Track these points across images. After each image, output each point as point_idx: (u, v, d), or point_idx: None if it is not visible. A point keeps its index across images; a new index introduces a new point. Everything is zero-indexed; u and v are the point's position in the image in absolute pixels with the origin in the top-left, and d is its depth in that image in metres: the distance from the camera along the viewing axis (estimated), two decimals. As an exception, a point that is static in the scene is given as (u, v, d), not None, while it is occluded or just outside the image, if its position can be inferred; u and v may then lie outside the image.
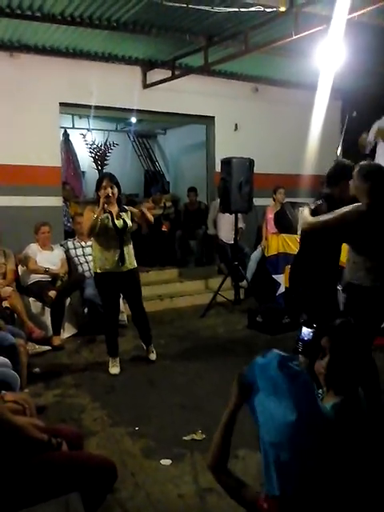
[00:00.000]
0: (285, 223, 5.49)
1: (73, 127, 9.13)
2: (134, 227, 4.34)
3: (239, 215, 6.32)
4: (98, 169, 8.85)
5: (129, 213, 4.23)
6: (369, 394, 1.81)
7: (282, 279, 6.10)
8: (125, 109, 6.81)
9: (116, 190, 4.13)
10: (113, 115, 8.00)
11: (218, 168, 6.59)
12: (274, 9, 4.58)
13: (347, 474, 1.56)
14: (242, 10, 4.66)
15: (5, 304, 4.65)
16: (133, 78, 6.68)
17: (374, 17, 4.66)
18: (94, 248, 4.29)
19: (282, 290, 6.07)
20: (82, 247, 5.61)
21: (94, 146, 8.97)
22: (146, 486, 2.61)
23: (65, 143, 8.30)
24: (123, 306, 4.98)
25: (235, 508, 1.72)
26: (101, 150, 8.99)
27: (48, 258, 5.38)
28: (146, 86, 6.73)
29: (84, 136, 9.14)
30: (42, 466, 1.87)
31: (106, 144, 9.07)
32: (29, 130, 6.01)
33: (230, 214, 6.26)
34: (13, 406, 2.23)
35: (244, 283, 6.59)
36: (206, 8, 4.68)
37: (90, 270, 5.32)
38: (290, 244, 6.00)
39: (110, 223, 4.11)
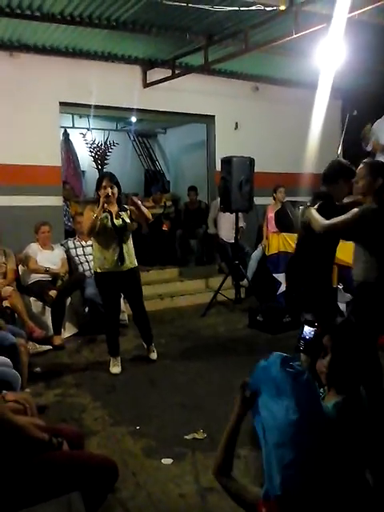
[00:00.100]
0: (285, 222, 5.50)
1: (73, 127, 9.12)
2: (134, 226, 4.34)
3: (240, 214, 6.32)
4: (98, 168, 8.84)
5: (128, 212, 4.22)
6: (372, 393, 1.81)
7: (282, 278, 6.09)
8: (125, 108, 6.81)
9: (116, 189, 4.13)
10: (113, 114, 8.01)
11: (219, 167, 6.59)
12: (274, 7, 4.58)
13: (349, 473, 1.56)
14: (241, 8, 4.66)
15: (5, 303, 4.65)
16: (133, 78, 6.68)
17: (374, 15, 4.66)
18: (94, 247, 4.29)
19: (282, 289, 6.06)
20: (83, 247, 5.61)
21: (94, 145, 8.96)
22: (147, 486, 2.61)
23: (65, 143, 8.29)
24: (124, 305, 4.97)
25: (236, 508, 1.72)
26: (101, 149, 8.99)
27: (48, 258, 5.38)
28: (146, 85, 6.73)
29: (84, 135, 9.13)
30: (43, 465, 1.87)
31: (106, 143, 9.07)
32: (29, 130, 6.01)
33: (231, 213, 6.25)
34: (14, 406, 2.23)
35: (245, 282, 6.59)
36: (206, 7, 4.68)
37: (90, 269, 5.32)
38: (291, 243, 5.99)
39: (110, 223, 4.11)
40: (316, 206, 3.17)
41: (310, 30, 4.62)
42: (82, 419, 3.39)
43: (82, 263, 5.55)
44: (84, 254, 5.57)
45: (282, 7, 4.55)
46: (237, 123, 7.47)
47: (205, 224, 7.40)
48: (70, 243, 5.71)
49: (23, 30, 5.42)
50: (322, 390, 1.76)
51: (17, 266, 5.27)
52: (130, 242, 4.28)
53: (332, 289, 3.58)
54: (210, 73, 6.92)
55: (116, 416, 3.43)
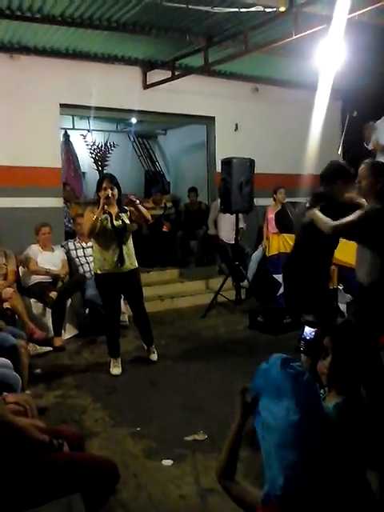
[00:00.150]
0: (286, 223, 5.50)
1: (73, 128, 9.13)
2: (134, 227, 4.34)
3: (240, 215, 6.32)
4: (98, 170, 8.84)
5: (128, 213, 4.22)
6: (372, 394, 1.81)
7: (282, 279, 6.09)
8: (125, 109, 6.82)
9: (116, 191, 4.14)
10: (113, 116, 8.01)
11: (219, 168, 6.59)
12: (274, 9, 4.58)
13: (349, 474, 1.56)
14: (241, 10, 4.66)
15: (6, 305, 4.66)
16: (133, 79, 6.69)
17: (373, 16, 4.65)
18: (94, 249, 4.30)
19: (282, 290, 6.05)
20: (83, 248, 5.61)
21: (95, 146, 8.97)
22: (148, 487, 2.61)
23: (65, 144, 8.30)
24: (124, 306, 4.97)
25: (236, 509, 1.72)
26: (101, 150, 8.99)
27: (49, 259, 5.38)
28: (146, 86, 6.74)
29: (84, 137, 9.14)
30: (44, 467, 1.87)
31: (106, 145, 9.07)
32: (29, 131, 6.02)
33: (231, 214, 6.25)
34: (14, 408, 2.23)
35: (245, 283, 6.59)
36: (206, 8, 4.69)
37: (90, 270, 5.32)
38: (291, 244, 5.98)
39: (109, 224, 4.12)
40: (318, 208, 3.17)
41: (310, 31, 4.62)
42: (82, 420, 3.39)
43: (82, 265, 5.55)
44: (84, 256, 5.57)
45: (282, 8, 4.55)
46: (237, 124, 7.48)
47: (205, 225, 7.40)
48: (71, 244, 5.71)
49: (23, 32, 5.43)
50: (322, 390, 1.76)
51: (17, 268, 5.27)
52: (130, 243, 4.29)
53: (329, 290, 3.57)
54: (209, 74, 6.93)
55: (116, 417, 3.43)
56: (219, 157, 6.78)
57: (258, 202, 6.54)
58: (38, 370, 4.18)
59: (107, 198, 4.07)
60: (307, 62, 5.41)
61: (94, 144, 8.98)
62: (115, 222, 4.13)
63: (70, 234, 6.29)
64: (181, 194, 8.81)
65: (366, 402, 1.71)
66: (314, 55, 5.07)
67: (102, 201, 4.06)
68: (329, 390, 1.73)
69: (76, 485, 1.87)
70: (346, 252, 3.60)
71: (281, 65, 6.55)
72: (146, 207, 4.53)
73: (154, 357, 4.52)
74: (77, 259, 5.61)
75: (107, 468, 2.02)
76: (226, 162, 6.07)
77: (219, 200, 6.62)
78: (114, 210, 4.15)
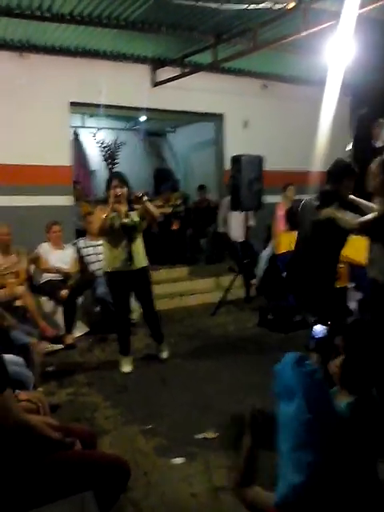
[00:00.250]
0: (297, 220, 5.47)
1: (83, 126, 9.16)
2: (144, 226, 4.35)
3: (249, 213, 6.30)
4: (108, 168, 8.87)
5: (138, 212, 4.23)
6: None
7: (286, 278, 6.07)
8: (134, 107, 6.83)
9: (125, 189, 4.16)
10: (122, 114, 8.02)
11: (228, 166, 6.58)
12: (283, 5, 4.56)
13: (361, 472, 1.55)
14: (250, 7, 4.65)
15: (17, 303, 4.70)
16: (142, 77, 6.69)
17: (382, 12, 4.61)
18: (104, 247, 4.33)
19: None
20: (94, 246, 5.63)
21: (104, 144, 8.99)
22: (159, 485, 2.62)
23: (75, 142, 8.32)
24: (135, 304, 4.99)
25: (248, 507, 1.73)
26: (110, 148, 9.01)
27: (60, 257, 5.42)
28: (155, 84, 6.74)
29: (94, 135, 9.16)
30: (56, 465, 1.88)
31: (115, 143, 9.09)
32: (39, 130, 6.05)
33: (240, 211, 6.24)
34: (27, 405, 2.25)
35: (254, 281, 6.57)
36: (215, 5, 4.68)
37: (101, 268, 5.34)
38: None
39: (119, 222, 4.13)
40: (335, 207, 3.17)
41: (319, 28, 4.60)
42: (94, 418, 3.42)
43: (92, 263, 5.58)
44: (95, 254, 5.59)
45: (291, 5, 4.53)
46: (246, 121, 7.45)
47: (214, 223, 7.39)
48: (81, 243, 5.74)
49: (33, 31, 5.45)
50: (332, 389, 1.76)
51: (28, 266, 5.31)
52: (140, 241, 4.30)
53: (336, 289, 3.56)
54: (218, 71, 6.91)
55: (128, 415, 3.45)
56: (228, 154, 6.77)
57: (268, 199, 6.52)
58: (50, 368, 4.21)
59: (116, 196, 4.08)
60: (316, 58, 5.38)
61: (103, 142, 9.01)
62: (125, 221, 4.15)
63: (81, 232, 6.31)
64: (190, 192, 8.81)
65: (377, 402, 1.70)
66: (323, 51, 5.04)
67: (111, 199, 4.08)
68: (340, 389, 1.72)
69: (88, 483, 1.88)
70: (359, 250, 3.58)
71: (290, 61, 6.52)
72: (155, 205, 4.54)
73: (165, 355, 4.53)
74: (87, 257, 5.63)
75: (119, 466, 2.02)
76: (235, 160, 6.05)
77: (228, 197, 6.61)
78: (124, 208, 4.17)
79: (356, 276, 4.64)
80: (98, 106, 6.48)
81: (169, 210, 7.45)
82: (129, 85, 6.54)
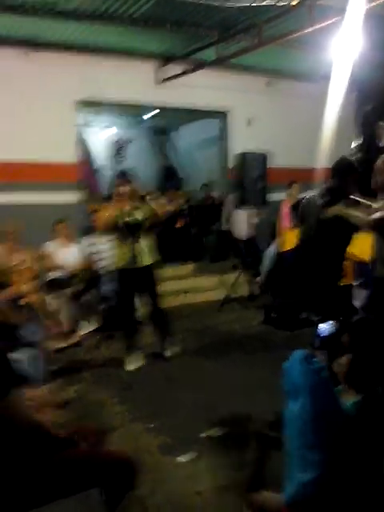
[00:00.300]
0: (301, 217, 5.46)
1: (88, 124, 9.14)
2: (148, 223, 4.35)
3: (254, 210, 6.29)
4: (113, 165, 8.87)
5: (142, 210, 4.24)
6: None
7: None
8: (139, 104, 6.82)
9: (130, 187, 4.16)
10: (128, 111, 8.01)
11: (232, 163, 6.56)
12: (288, 1, 4.54)
13: (368, 471, 1.55)
14: (254, 4, 4.63)
15: (24, 301, 4.70)
16: (147, 74, 6.69)
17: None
18: (115, 244, 4.33)
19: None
20: (100, 244, 5.64)
21: (110, 142, 8.98)
22: (164, 483, 2.62)
23: (80, 140, 8.31)
24: (140, 302, 4.99)
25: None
26: (116, 146, 9.01)
27: (66, 255, 5.43)
28: (160, 81, 6.73)
29: (99, 132, 9.15)
30: (64, 463, 1.89)
31: (121, 140, 9.08)
32: (45, 128, 6.06)
33: (245, 209, 6.23)
34: (33, 403, 2.26)
35: (259, 279, 6.56)
36: (219, 2, 4.66)
37: (107, 266, 5.35)
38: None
39: (124, 220, 4.14)
40: (344, 205, 3.16)
41: (325, 24, 4.57)
42: (100, 415, 3.43)
43: (98, 260, 5.58)
44: (101, 252, 5.60)
45: (296, 1, 4.51)
46: (250, 118, 7.43)
47: (218, 221, 7.38)
48: (87, 241, 5.74)
49: (39, 28, 5.46)
50: (338, 387, 1.76)
51: (35, 264, 5.31)
52: (148, 239, 4.30)
53: (341, 287, 3.56)
54: (223, 68, 6.89)
55: (134, 412, 3.46)
56: (232, 151, 6.76)
57: (272, 196, 6.50)
58: (57, 365, 4.22)
59: (121, 194, 4.09)
60: (322, 54, 5.36)
61: (109, 139, 9.00)
62: (129, 219, 4.15)
63: (88, 230, 6.31)
64: (194, 190, 8.80)
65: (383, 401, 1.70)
66: (329, 47, 5.02)
67: (116, 197, 4.09)
68: (346, 388, 1.72)
69: (95, 481, 1.90)
70: (363, 247, 3.57)
71: (295, 57, 6.50)
72: (160, 203, 4.54)
73: (170, 352, 4.54)
74: (93, 255, 5.64)
75: (126, 464, 2.04)
76: (240, 157, 6.04)
77: (233, 195, 6.60)
78: (128, 206, 4.17)
79: (362, 273, 4.62)
80: (103, 103, 6.48)
81: (173, 208, 7.42)
82: (134, 82, 6.54)
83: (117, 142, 9.07)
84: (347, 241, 3.36)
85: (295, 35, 4.95)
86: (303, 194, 6.32)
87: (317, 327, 2.93)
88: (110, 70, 6.32)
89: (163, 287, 5.80)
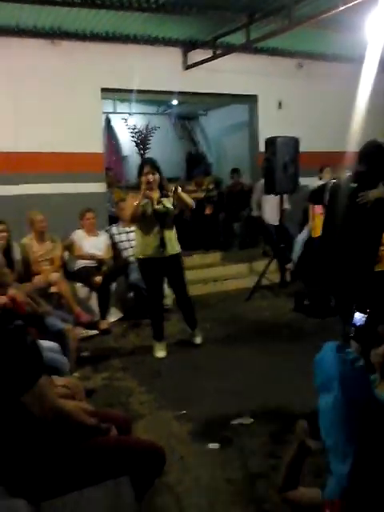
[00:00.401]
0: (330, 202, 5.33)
1: (114, 112, 9.15)
2: (176, 212, 4.31)
3: (284, 196, 6.18)
4: (140, 153, 8.85)
5: (170, 198, 4.19)
6: None
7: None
8: (166, 91, 6.76)
9: (157, 175, 4.12)
10: (154, 98, 7.97)
11: (262, 148, 6.44)
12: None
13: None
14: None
15: (53, 290, 4.76)
16: (174, 60, 6.62)
17: None
18: (136, 234, 4.32)
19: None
20: (127, 233, 5.64)
21: (136, 130, 8.96)
22: (194, 470, 2.61)
23: (107, 128, 8.33)
24: (167, 290, 4.99)
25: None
26: (142, 133, 8.98)
27: (93, 244, 5.46)
28: (187, 67, 6.65)
29: (125, 120, 9.14)
30: (92, 450, 1.90)
31: (147, 128, 9.05)
32: (71, 117, 6.07)
33: (275, 194, 6.13)
34: (62, 391, 2.27)
35: (290, 266, 6.46)
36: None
37: (134, 255, 5.36)
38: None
39: (151, 209, 4.11)
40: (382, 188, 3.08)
41: (358, 2, 4.40)
42: (128, 403, 3.44)
43: (125, 249, 5.59)
44: (128, 240, 5.60)
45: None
46: (280, 102, 7.28)
47: (248, 206, 7.29)
48: (114, 229, 5.76)
49: (64, 18, 5.44)
50: (372, 376, 1.70)
51: (63, 253, 5.37)
52: (173, 227, 4.27)
53: (376, 273, 3.45)
54: (251, 51, 6.75)
55: (162, 400, 3.45)
56: (262, 136, 6.63)
57: (304, 181, 6.36)
58: (85, 353, 4.26)
59: (148, 183, 4.06)
60: (354, 34, 5.18)
61: (135, 127, 8.98)
62: (157, 207, 4.12)
63: (114, 219, 6.34)
64: (223, 175, 8.71)
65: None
66: (362, 27, 4.83)
67: (143, 186, 4.05)
68: (382, 378, 1.66)
69: (123, 468, 1.89)
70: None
71: (326, 38, 6.30)
72: (188, 190, 4.49)
73: (198, 340, 4.52)
74: (120, 244, 5.65)
75: (154, 452, 2.03)
76: (270, 142, 5.92)
77: (262, 180, 6.49)
78: (156, 194, 4.13)
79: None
80: (129, 91, 6.45)
81: (201, 194, 7.38)
82: (160, 69, 6.47)
83: (144, 129, 9.03)
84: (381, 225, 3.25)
85: (327, 15, 4.78)
86: (323, 180, 6.19)
87: (351, 316, 2.85)
88: (136, 58, 6.26)
89: (192, 275, 5.80)
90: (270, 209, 6.75)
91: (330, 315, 4.99)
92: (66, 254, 5.49)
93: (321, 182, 5.44)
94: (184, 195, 4.22)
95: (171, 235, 4.24)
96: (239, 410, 3.21)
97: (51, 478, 1.80)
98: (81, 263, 5.37)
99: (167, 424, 3.14)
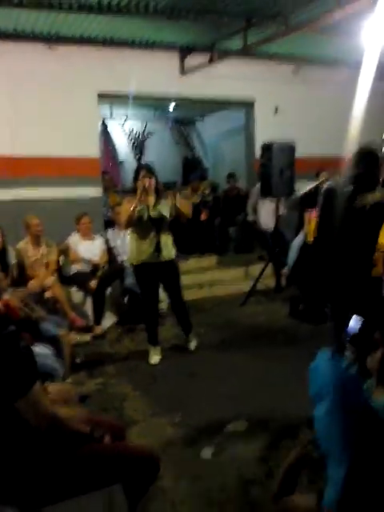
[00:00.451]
0: (326, 207, 5.33)
1: (111, 116, 9.16)
2: (171, 217, 4.30)
3: (280, 201, 6.19)
4: (136, 157, 8.85)
5: (166, 204, 4.18)
6: None
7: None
8: (163, 96, 6.77)
9: (153, 180, 4.11)
10: (151, 103, 7.98)
11: (258, 153, 6.45)
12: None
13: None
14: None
15: (47, 294, 4.74)
16: (171, 65, 6.63)
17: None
18: (131, 239, 4.30)
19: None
20: (122, 237, 5.63)
21: (132, 134, 8.97)
22: (188, 477, 2.60)
23: (103, 133, 8.33)
24: (162, 294, 4.97)
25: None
26: (139, 138, 8.99)
27: (89, 248, 5.44)
28: (184, 72, 6.65)
29: (122, 125, 9.15)
30: (86, 458, 1.88)
31: (143, 132, 9.06)
32: (68, 122, 6.07)
33: (271, 199, 6.13)
34: (56, 398, 2.25)
35: (285, 270, 6.46)
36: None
37: (130, 259, 5.34)
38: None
39: (146, 214, 4.10)
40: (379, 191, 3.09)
41: (354, 8, 4.41)
42: (122, 408, 3.42)
43: (121, 253, 5.58)
44: (123, 245, 5.59)
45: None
46: (276, 107, 7.30)
47: (244, 211, 7.29)
48: (110, 234, 5.75)
49: (61, 22, 5.44)
50: (368, 381, 1.69)
51: (58, 257, 5.36)
52: (168, 233, 4.26)
53: (370, 278, 3.44)
54: (248, 57, 6.76)
55: (156, 405, 3.44)
56: (259, 141, 6.64)
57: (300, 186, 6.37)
58: (79, 359, 4.23)
59: (144, 187, 4.05)
60: (351, 40, 5.21)
61: (131, 132, 8.99)
62: (152, 213, 4.11)
63: (110, 223, 6.33)
64: (219, 180, 8.72)
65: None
66: (359, 33, 4.86)
67: (138, 191, 4.05)
68: (378, 385, 1.65)
69: (117, 476, 1.88)
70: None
71: (323, 44, 6.32)
72: (184, 195, 4.49)
73: (193, 345, 4.51)
74: (116, 248, 5.64)
75: (149, 458, 2.01)
76: (266, 147, 5.92)
77: (258, 185, 6.50)
78: (152, 200, 4.13)
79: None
80: (126, 96, 6.45)
81: (197, 199, 7.38)
82: (157, 73, 6.47)
83: (140, 133, 9.04)
84: (380, 229, 3.25)
85: (324, 21, 4.80)
86: (312, 184, 6.19)
87: (346, 321, 2.84)
88: (133, 62, 6.27)
89: (187, 280, 5.78)
90: (266, 214, 6.76)
91: (324, 321, 5.00)
92: (62, 258, 5.47)
93: (309, 187, 5.46)
94: (181, 206, 4.22)
95: (167, 240, 4.24)
96: (234, 415, 3.20)
97: (44, 485, 1.78)
98: (76, 268, 5.36)
99: (161, 429, 3.12)
